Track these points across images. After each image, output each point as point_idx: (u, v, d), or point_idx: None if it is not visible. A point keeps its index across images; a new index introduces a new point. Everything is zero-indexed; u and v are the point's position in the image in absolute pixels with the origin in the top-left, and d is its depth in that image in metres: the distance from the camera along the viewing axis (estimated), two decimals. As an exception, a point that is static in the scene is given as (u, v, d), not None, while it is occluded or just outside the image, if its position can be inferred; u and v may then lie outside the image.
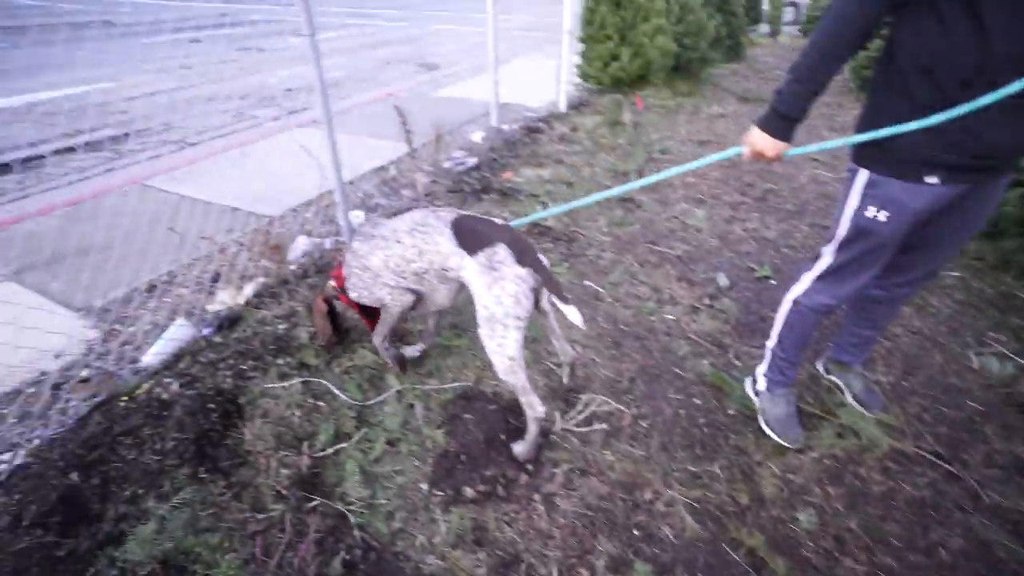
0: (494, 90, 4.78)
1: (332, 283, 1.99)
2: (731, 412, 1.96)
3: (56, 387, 2.01)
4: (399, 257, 1.74)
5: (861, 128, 1.43)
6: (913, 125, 1.26)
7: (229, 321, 2.31)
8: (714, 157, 1.69)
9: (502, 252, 1.56)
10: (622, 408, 1.94)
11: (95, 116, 5.22)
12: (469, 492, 1.64)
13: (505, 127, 4.98)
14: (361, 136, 4.80)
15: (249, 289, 2.49)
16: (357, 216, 3.07)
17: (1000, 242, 2.69)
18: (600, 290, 2.59)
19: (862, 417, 1.92)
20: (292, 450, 1.75)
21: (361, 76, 7.17)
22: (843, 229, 1.53)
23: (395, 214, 2.18)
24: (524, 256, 1.57)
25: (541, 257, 1.60)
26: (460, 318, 2.34)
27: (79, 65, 7.07)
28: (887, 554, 1.53)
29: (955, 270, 2.81)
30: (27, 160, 4.15)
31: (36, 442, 1.78)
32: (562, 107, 5.79)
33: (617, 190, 1.96)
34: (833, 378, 2.09)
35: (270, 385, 1.98)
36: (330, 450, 1.75)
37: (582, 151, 4.40)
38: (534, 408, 1.66)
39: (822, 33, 1.28)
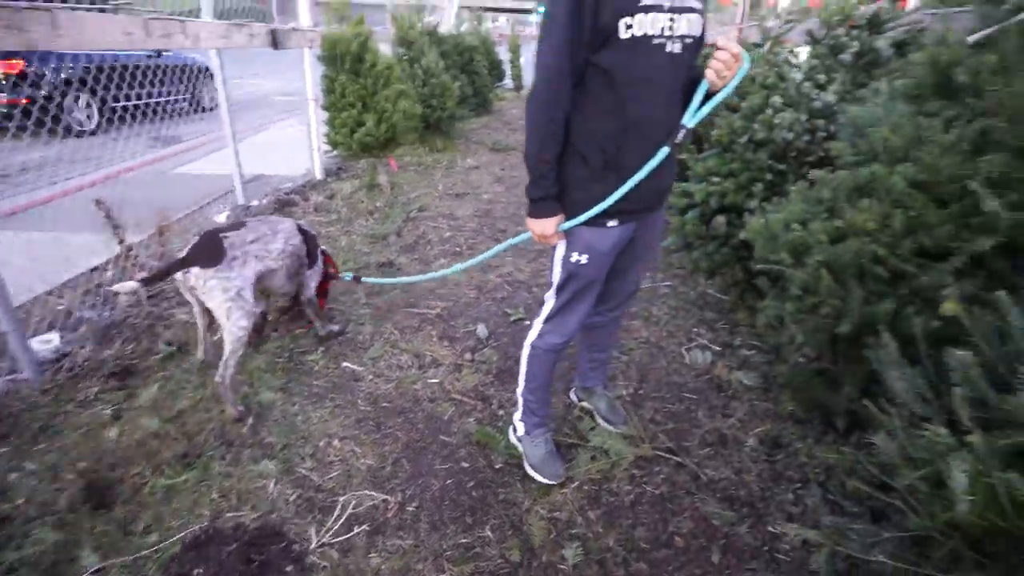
0: (236, 163, 4.44)
1: None
2: (498, 466, 2.00)
3: None
4: None
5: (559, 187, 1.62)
6: (617, 195, 1.51)
7: None
8: (509, 243, 1.93)
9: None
10: (387, 498, 1.84)
11: None
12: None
13: (255, 203, 4.65)
14: (67, 232, 4.02)
15: None
16: (48, 342, 2.50)
17: (691, 253, 3.28)
18: (359, 369, 2.49)
19: (610, 435, 2.11)
20: None
21: (78, 155, 6.11)
22: (557, 275, 1.72)
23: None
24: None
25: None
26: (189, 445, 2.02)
27: None
28: (640, 559, 1.67)
29: (668, 280, 3.35)
30: None
31: None
32: (318, 175, 5.64)
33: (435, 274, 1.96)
34: (584, 404, 2.28)
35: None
36: None
37: (339, 219, 4.30)
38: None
39: (531, 123, 1.47)
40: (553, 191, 1.55)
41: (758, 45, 3.94)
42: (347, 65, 5.00)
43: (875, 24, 2.85)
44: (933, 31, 1.94)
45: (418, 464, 1.99)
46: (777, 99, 2.96)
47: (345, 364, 2.52)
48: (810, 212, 2.17)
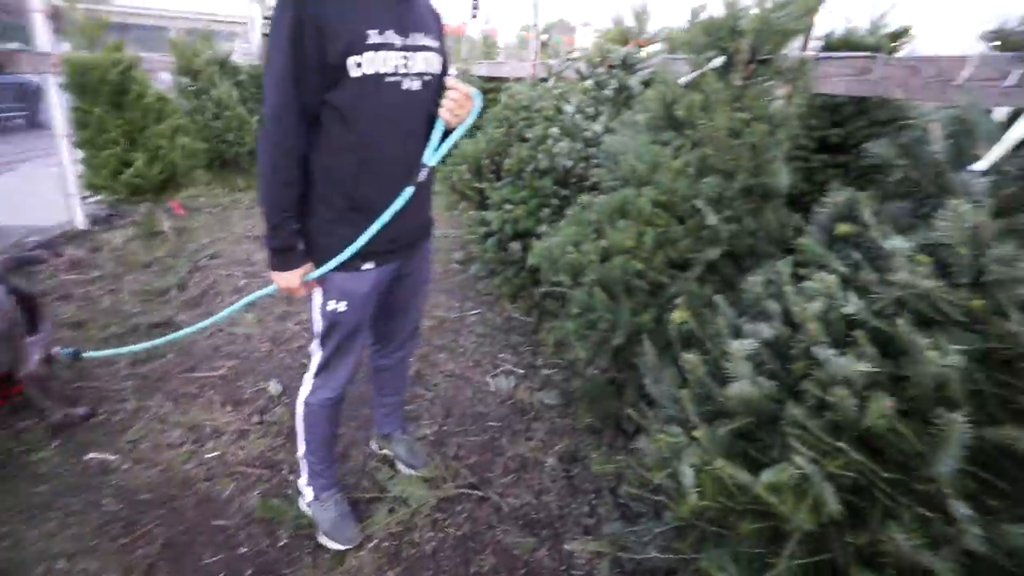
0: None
1: None
2: (284, 542, 1.77)
3: None
4: None
5: (304, 233, 1.47)
6: (363, 239, 1.42)
7: None
8: (250, 298, 1.69)
9: None
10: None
11: None
12: None
13: (-16, 265, 3.75)
14: None
15: None
16: None
17: (494, 279, 3.36)
18: (110, 458, 2.06)
19: (411, 481, 2.00)
20: None
21: None
22: (318, 325, 1.58)
23: None
24: None
25: None
26: None
27: None
28: (444, 615, 1.57)
29: (476, 308, 3.38)
30: None
31: None
32: (80, 224, 4.78)
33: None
34: (385, 451, 2.14)
35: None
36: None
37: (103, 275, 3.65)
38: None
39: (263, 166, 1.32)
40: (292, 241, 1.41)
41: (544, 80, 4.25)
42: (105, 96, 4.34)
43: (627, 65, 3.22)
44: (664, 72, 2.23)
45: (180, 565, 1.67)
46: (555, 130, 3.18)
47: (91, 455, 2.06)
48: (582, 234, 2.33)
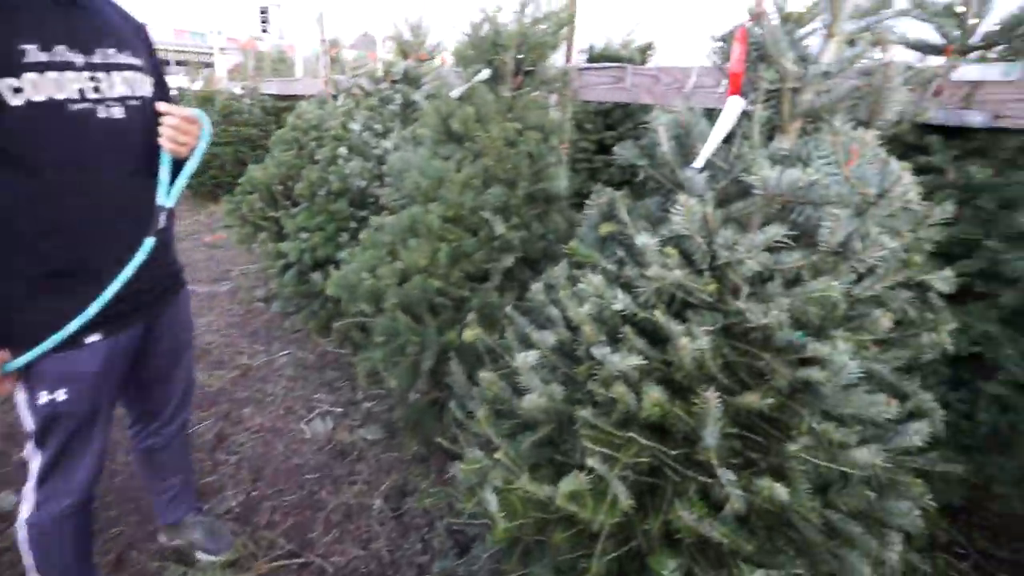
0: None
1: None
2: None
3: None
4: None
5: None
6: (93, 308, 1.14)
7: None
8: None
9: None
10: None
11: None
12: None
13: None
14: None
15: None
16: None
17: (300, 314, 3.07)
18: None
19: (214, 568, 1.70)
20: None
21: None
22: (30, 424, 1.23)
23: None
24: None
25: None
26: None
27: None
28: None
29: (286, 348, 3.06)
30: None
31: None
32: None
33: None
34: (177, 542, 1.79)
35: None
36: None
37: None
38: None
39: None
40: None
41: (334, 97, 4.02)
42: None
43: (411, 79, 3.18)
44: (439, 86, 2.21)
45: None
46: (344, 149, 3.01)
47: None
48: (377, 257, 2.21)
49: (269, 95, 7.11)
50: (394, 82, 3.15)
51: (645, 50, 3.07)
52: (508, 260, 2.01)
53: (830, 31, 1.20)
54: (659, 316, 1.16)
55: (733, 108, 1.22)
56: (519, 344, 1.40)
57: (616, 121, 3.20)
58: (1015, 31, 1.55)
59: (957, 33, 1.65)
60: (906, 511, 1.10)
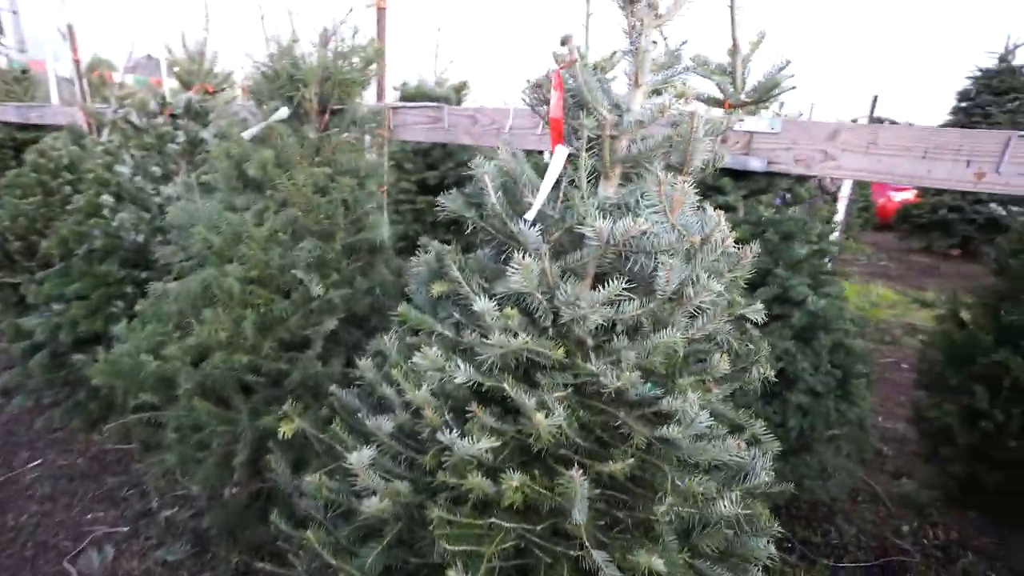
0: None
1: None
2: None
3: None
4: None
5: None
6: None
7: None
8: None
9: None
10: None
11: None
12: None
13: None
14: None
15: None
16: None
17: (57, 409, 2.40)
18: None
19: None
20: None
21: None
22: None
23: None
24: None
25: None
26: None
27: None
28: None
29: (37, 457, 2.35)
30: None
31: None
32: None
33: None
34: None
35: None
36: None
37: None
38: None
39: None
40: None
41: (99, 130, 3.32)
42: None
43: (197, 114, 2.73)
44: (228, 126, 1.88)
45: None
46: (108, 197, 2.45)
47: None
48: (162, 333, 1.79)
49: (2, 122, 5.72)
50: (174, 116, 2.67)
51: (460, 89, 3.05)
52: (330, 323, 1.76)
53: (635, 81, 1.22)
54: (508, 388, 1.05)
55: (560, 157, 1.18)
56: (350, 436, 1.18)
57: (437, 160, 3.11)
58: (771, 91, 1.78)
59: (731, 89, 1.87)
60: (763, 547, 1.11)
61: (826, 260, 1.79)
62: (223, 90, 2.99)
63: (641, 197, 1.12)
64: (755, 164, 1.66)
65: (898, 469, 2.55)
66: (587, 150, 1.15)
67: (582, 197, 1.11)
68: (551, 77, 1.30)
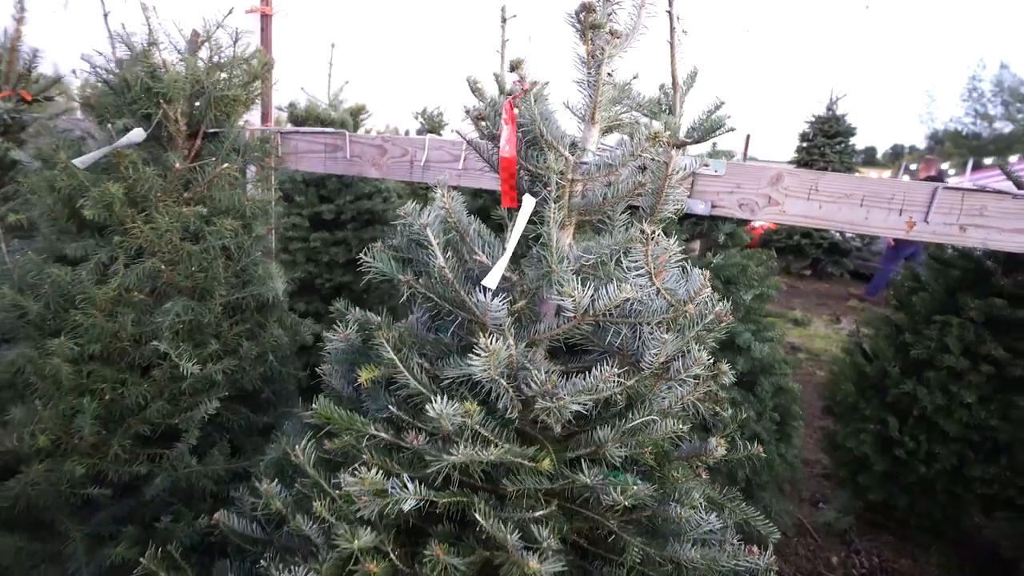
0: None
1: None
2: None
3: None
4: None
5: None
6: None
7: None
8: None
9: None
10: None
11: None
12: None
13: None
14: None
15: None
16: None
17: None
18: None
19: None
20: None
21: None
22: None
23: None
24: None
25: None
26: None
27: None
28: None
29: None
30: None
31: None
32: None
33: None
34: None
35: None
36: None
37: None
38: None
39: None
40: None
41: None
42: None
43: (8, 129, 2.13)
44: (49, 149, 1.41)
45: None
46: None
47: None
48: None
49: None
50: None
51: (358, 112, 2.72)
52: (208, 405, 1.36)
53: (592, 117, 1.05)
54: (480, 515, 0.79)
55: (527, 208, 0.95)
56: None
57: (332, 192, 2.74)
58: (713, 132, 1.72)
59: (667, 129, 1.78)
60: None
61: (766, 305, 1.75)
62: (50, 99, 2.40)
63: (622, 255, 0.93)
64: (700, 208, 1.57)
65: (813, 495, 2.61)
66: (555, 200, 0.95)
67: (557, 258, 0.89)
68: (500, 109, 1.08)
